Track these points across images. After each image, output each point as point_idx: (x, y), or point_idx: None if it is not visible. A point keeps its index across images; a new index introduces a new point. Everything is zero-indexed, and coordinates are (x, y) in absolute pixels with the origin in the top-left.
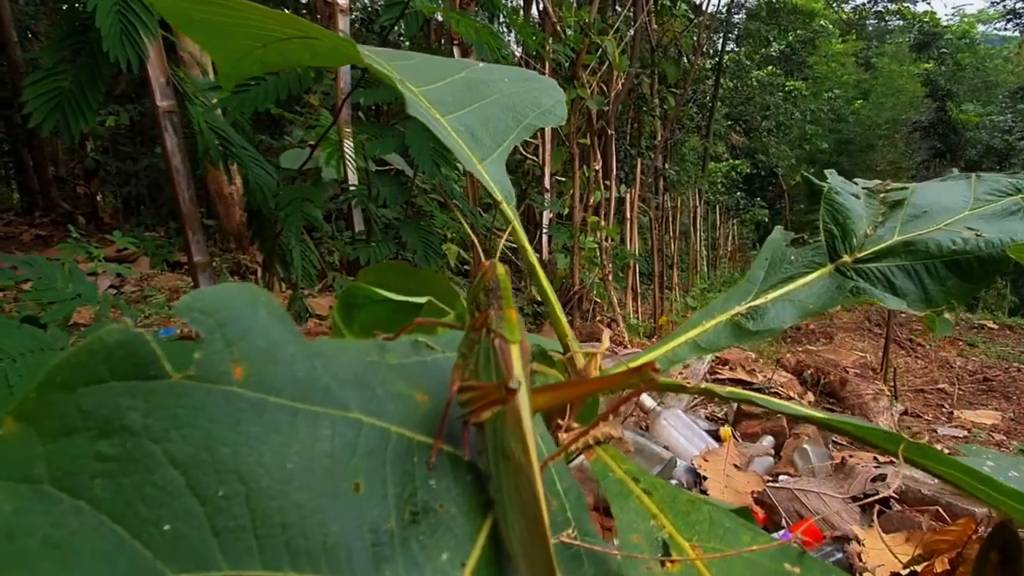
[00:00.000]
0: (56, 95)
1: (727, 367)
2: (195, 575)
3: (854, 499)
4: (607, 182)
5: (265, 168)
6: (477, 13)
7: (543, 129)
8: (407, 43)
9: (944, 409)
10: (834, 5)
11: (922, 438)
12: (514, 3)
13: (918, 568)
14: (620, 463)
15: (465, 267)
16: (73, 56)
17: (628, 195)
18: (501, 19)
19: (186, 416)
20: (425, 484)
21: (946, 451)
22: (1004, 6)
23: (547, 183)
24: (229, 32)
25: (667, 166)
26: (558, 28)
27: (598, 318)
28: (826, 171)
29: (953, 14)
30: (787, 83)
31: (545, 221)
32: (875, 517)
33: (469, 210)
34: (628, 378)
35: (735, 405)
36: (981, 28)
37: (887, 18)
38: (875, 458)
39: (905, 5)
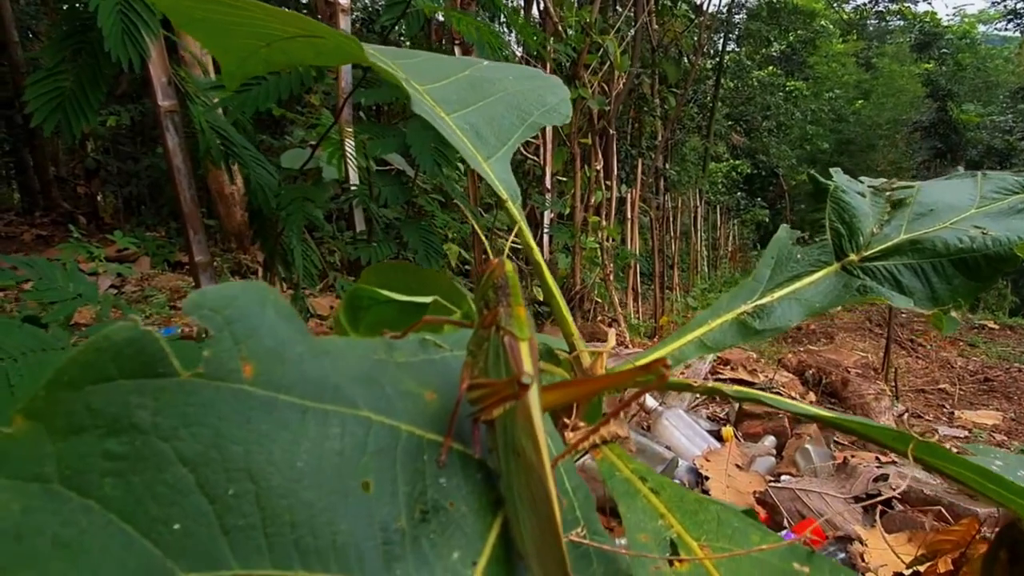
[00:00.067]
0: (57, 95)
1: (728, 367)
2: (205, 574)
3: (856, 499)
4: (608, 182)
5: (267, 168)
6: (478, 13)
7: (544, 129)
8: (408, 43)
9: (945, 409)
10: (835, 5)
11: (931, 438)
12: (515, 3)
13: (921, 568)
14: (627, 462)
15: (466, 267)
16: (74, 56)
17: (629, 195)
18: (502, 19)
19: (195, 414)
20: (435, 482)
21: (954, 451)
22: (1005, 6)
23: (548, 183)
24: (232, 31)
25: (668, 166)
26: (559, 28)
27: (599, 318)
28: (831, 169)
29: (954, 14)
30: (788, 83)
31: (546, 221)
32: (877, 517)
33: (471, 210)
34: (639, 375)
35: (736, 405)
36: (982, 28)
37: (888, 18)
38: (877, 458)
39: (906, 5)
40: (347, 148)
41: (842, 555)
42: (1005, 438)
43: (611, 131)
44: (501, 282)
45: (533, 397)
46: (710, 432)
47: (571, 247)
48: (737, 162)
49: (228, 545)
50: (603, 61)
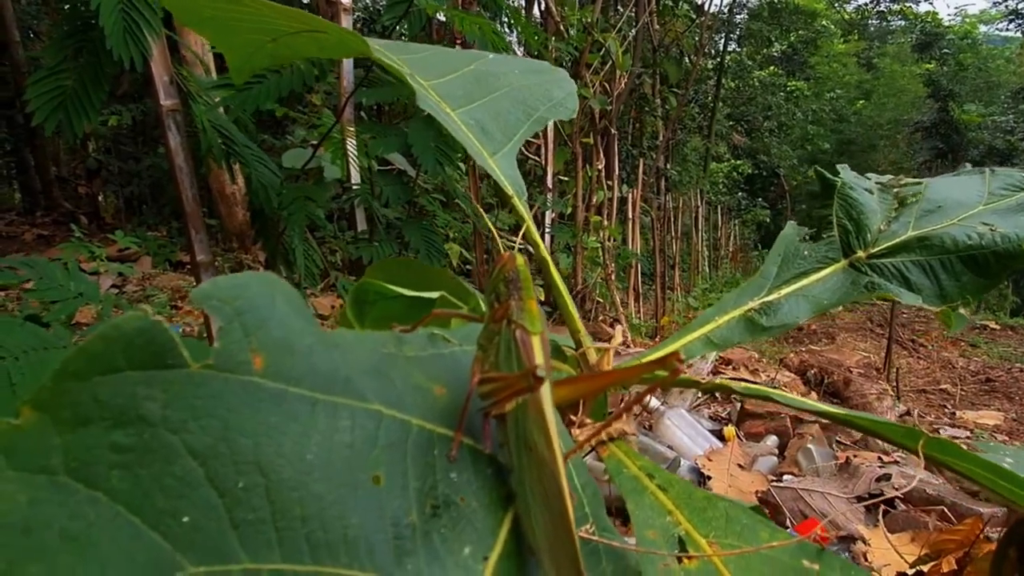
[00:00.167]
0: (59, 94)
1: (730, 367)
2: (214, 567)
3: (859, 499)
4: (609, 182)
5: (268, 167)
6: (479, 13)
7: (545, 128)
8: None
9: (946, 410)
10: (836, 5)
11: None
12: (516, 3)
13: (925, 568)
14: (634, 459)
15: (467, 267)
16: (76, 55)
17: (630, 195)
18: (503, 19)
19: (204, 406)
20: (446, 477)
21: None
22: (1006, 7)
23: (549, 182)
24: (239, 27)
25: (669, 166)
26: (561, 27)
27: (600, 318)
28: (838, 166)
29: (955, 14)
30: (789, 83)
31: (547, 221)
32: (880, 517)
33: (472, 209)
34: (651, 369)
35: (739, 405)
36: (983, 28)
37: (889, 18)
38: (879, 458)
39: (907, 5)
40: (349, 147)
41: (845, 555)
42: (1007, 438)
43: (612, 131)
44: (512, 275)
45: (545, 392)
46: (712, 432)
47: (573, 247)
48: (738, 162)
49: (237, 538)
50: (604, 61)
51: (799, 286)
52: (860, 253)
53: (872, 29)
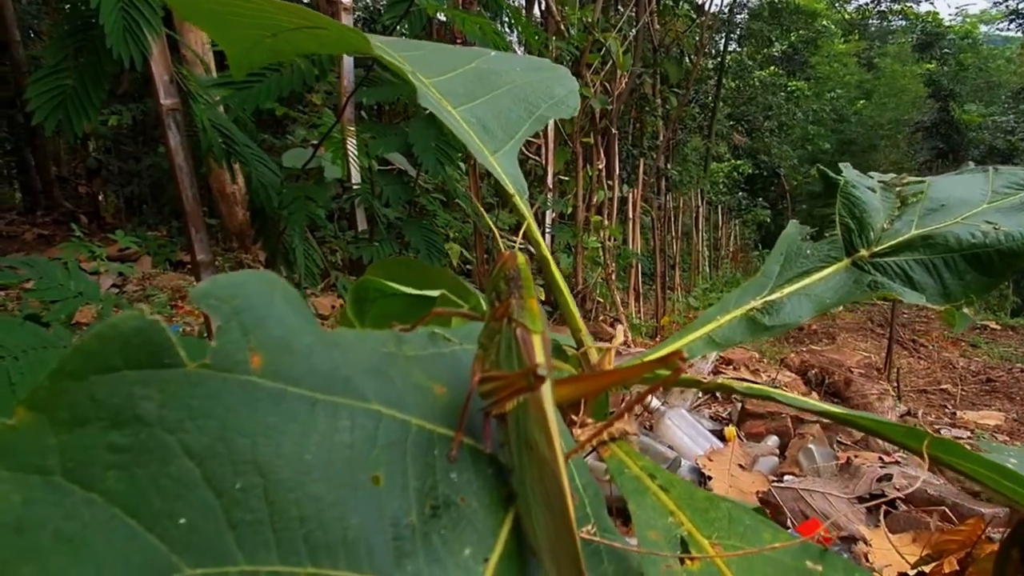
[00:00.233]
0: (59, 93)
1: (731, 367)
2: (211, 569)
3: (860, 499)
4: (610, 182)
5: (269, 166)
6: (480, 13)
7: (546, 128)
8: None
9: (947, 410)
10: (837, 5)
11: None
12: (516, 2)
13: (926, 569)
14: (635, 459)
15: (467, 267)
16: (76, 54)
17: (631, 195)
18: (504, 18)
19: (202, 406)
20: (446, 477)
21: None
22: (1007, 7)
23: (550, 182)
24: (239, 22)
25: (669, 166)
26: (562, 27)
27: (601, 318)
28: (841, 164)
29: (956, 14)
30: (789, 83)
31: (548, 220)
32: (882, 517)
33: (473, 208)
34: (653, 368)
35: (739, 405)
36: (984, 28)
37: (890, 18)
38: (880, 458)
39: (908, 5)
40: (349, 147)
41: (846, 555)
42: (1007, 439)
43: (613, 130)
44: (513, 274)
45: (546, 391)
46: (712, 432)
47: (573, 247)
48: (739, 162)
49: (235, 540)
50: (605, 60)
51: (802, 285)
52: (863, 252)
53: (873, 29)
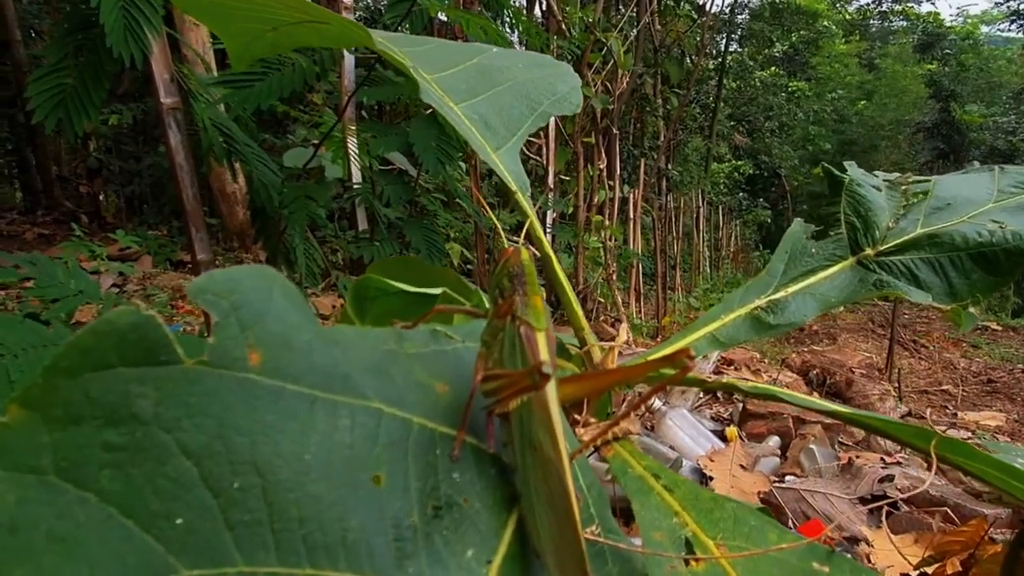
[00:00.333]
0: (59, 92)
1: (732, 367)
2: (208, 571)
3: (862, 500)
4: (611, 182)
5: (269, 166)
6: (480, 13)
7: (547, 128)
8: None
9: (948, 411)
10: (838, 6)
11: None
12: (517, 3)
13: (929, 570)
14: (639, 459)
15: (468, 267)
16: (76, 52)
17: (631, 195)
18: (505, 18)
19: (199, 404)
20: (448, 477)
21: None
22: (1008, 7)
23: (551, 182)
24: (239, 15)
25: (670, 166)
26: (563, 27)
27: (601, 318)
28: (845, 163)
29: (957, 15)
30: (790, 84)
31: (548, 220)
32: (884, 518)
33: (474, 209)
34: (658, 367)
35: (740, 405)
36: (985, 29)
37: (891, 19)
38: (882, 459)
39: (909, 6)
40: (350, 147)
41: (848, 556)
42: (1008, 439)
43: (614, 131)
44: (517, 270)
45: (551, 390)
46: (714, 432)
47: (574, 247)
48: (739, 162)
49: (233, 541)
50: (606, 60)
51: (806, 284)
52: (868, 251)
53: (874, 29)
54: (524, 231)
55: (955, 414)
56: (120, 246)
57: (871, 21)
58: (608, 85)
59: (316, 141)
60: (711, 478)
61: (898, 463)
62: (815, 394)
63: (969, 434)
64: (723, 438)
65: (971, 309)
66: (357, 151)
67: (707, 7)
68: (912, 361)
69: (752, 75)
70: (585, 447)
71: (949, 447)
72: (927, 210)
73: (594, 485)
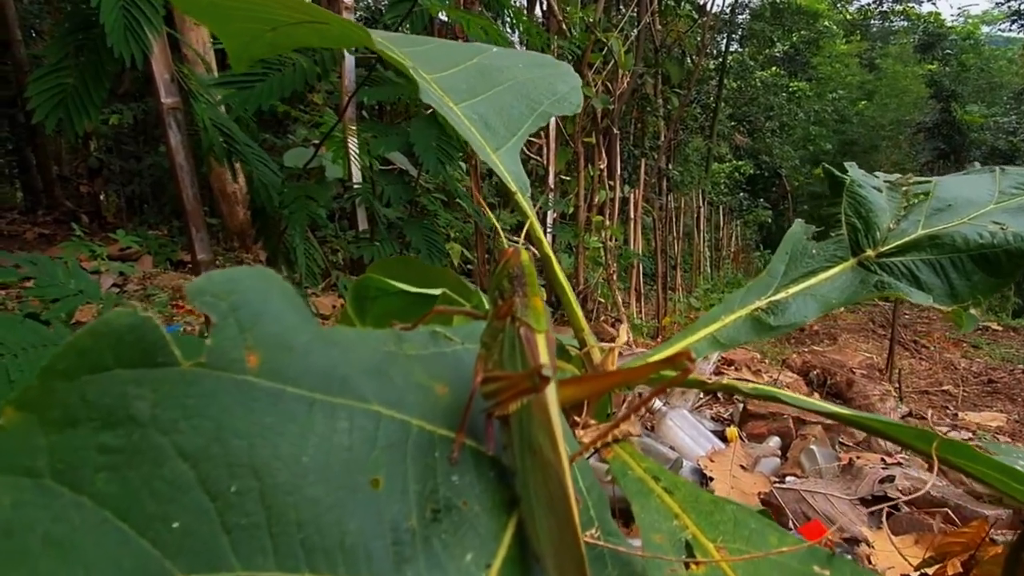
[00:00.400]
0: (60, 91)
1: (732, 367)
2: (205, 575)
3: (862, 501)
4: (611, 182)
5: (269, 166)
6: (481, 13)
7: (547, 128)
8: None
9: (949, 411)
10: (838, 6)
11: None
12: (517, 3)
13: (929, 571)
14: (639, 461)
15: (468, 267)
16: (77, 52)
17: (632, 195)
18: (506, 19)
19: (196, 406)
20: (447, 480)
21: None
22: (1009, 7)
23: (551, 182)
24: (239, 16)
25: (671, 167)
26: (563, 27)
27: (602, 318)
28: (846, 164)
29: (958, 15)
30: (791, 84)
31: (549, 220)
32: (884, 519)
33: (475, 209)
34: (659, 368)
35: (740, 406)
36: (985, 29)
37: (891, 19)
38: (882, 459)
39: (910, 6)
40: (351, 147)
41: (848, 557)
42: (1009, 440)
43: (615, 131)
44: (517, 272)
45: (551, 392)
46: (714, 433)
47: (574, 247)
48: (740, 163)
49: (230, 545)
50: (607, 60)
51: (807, 285)
52: (869, 252)
53: (874, 29)
54: (524, 231)
55: (956, 415)
56: (120, 246)
57: (872, 21)
58: (608, 85)
59: (316, 141)
60: (711, 478)
61: (899, 464)
62: (816, 394)
63: (970, 435)
64: (723, 438)
65: (972, 310)
66: (357, 151)
67: (708, 7)
68: (913, 361)
69: (753, 75)
70: (585, 449)
71: (950, 449)
72: (928, 211)
73: (594, 487)
